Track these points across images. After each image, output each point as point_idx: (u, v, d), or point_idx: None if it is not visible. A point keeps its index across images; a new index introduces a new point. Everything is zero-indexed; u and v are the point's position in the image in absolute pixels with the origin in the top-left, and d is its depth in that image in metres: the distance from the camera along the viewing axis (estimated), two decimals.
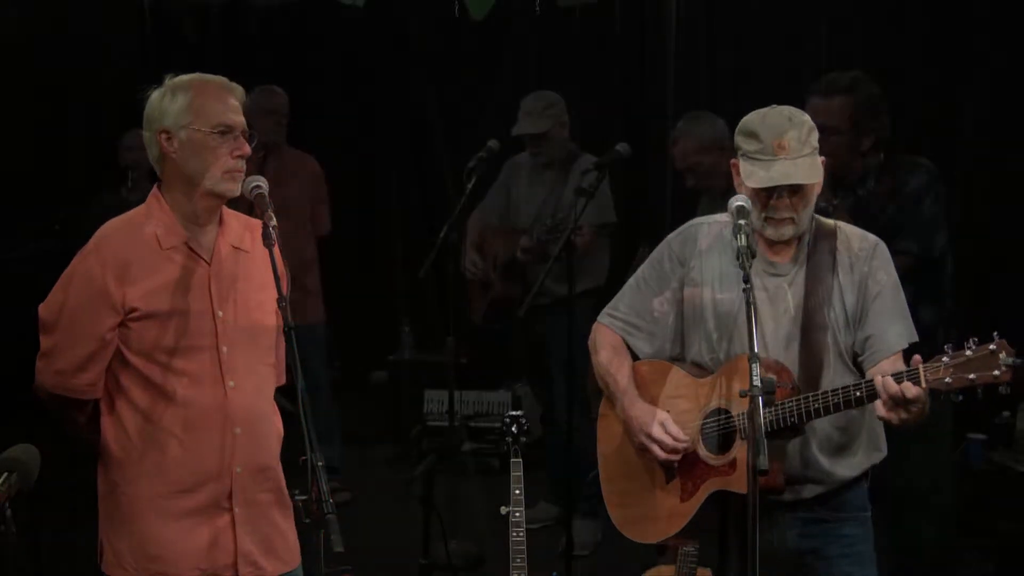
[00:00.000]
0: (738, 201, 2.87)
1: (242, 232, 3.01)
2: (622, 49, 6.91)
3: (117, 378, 2.90)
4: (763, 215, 2.92)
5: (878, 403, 2.72)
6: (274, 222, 2.75)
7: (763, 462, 2.54)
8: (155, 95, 2.90)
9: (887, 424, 2.84)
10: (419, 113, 7.53)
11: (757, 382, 2.58)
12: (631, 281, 3.24)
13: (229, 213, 3.02)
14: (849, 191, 4.02)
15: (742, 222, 2.80)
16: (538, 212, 5.41)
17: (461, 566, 4.44)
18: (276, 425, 3.05)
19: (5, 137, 6.75)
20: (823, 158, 2.96)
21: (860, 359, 2.95)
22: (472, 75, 7.36)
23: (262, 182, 2.88)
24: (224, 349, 2.90)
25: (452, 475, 4.92)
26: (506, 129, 5.40)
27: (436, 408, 6.49)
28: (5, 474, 2.44)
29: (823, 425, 2.94)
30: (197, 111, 2.85)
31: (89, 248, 2.90)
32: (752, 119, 2.95)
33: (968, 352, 2.64)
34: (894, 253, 3.07)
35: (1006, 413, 5.23)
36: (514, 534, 3.49)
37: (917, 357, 2.70)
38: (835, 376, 2.92)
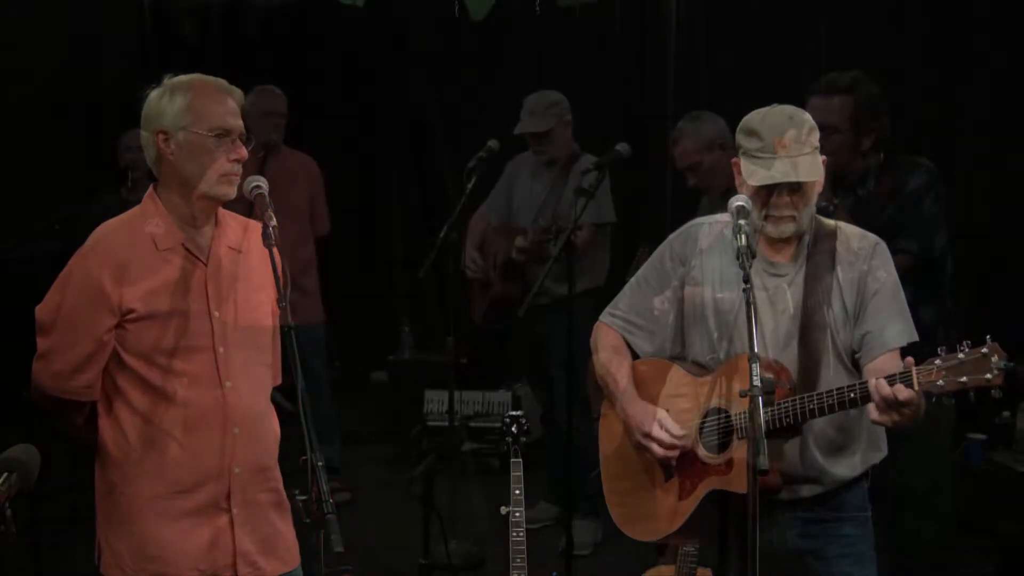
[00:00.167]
0: (738, 201, 2.87)
1: (239, 233, 3.01)
2: (622, 49, 6.91)
3: (114, 379, 2.90)
4: (764, 213, 2.93)
5: (871, 406, 2.72)
6: (274, 222, 2.75)
7: (763, 462, 2.54)
8: (153, 95, 2.90)
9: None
10: (419, 113, 7.54)
11: (757, 382, 2.58)
12: (632, 281, 3.25)
13: (225, 214, 3.02)
14: (849, 191, 4.02)
15: (742, 222, 2.81)
16: (539, 211, 5.41)
17: (461, 566, 4.44)
18: (274, 425, 3.06)
19: (5, 137, 6.75)
20: (824, 157, 2.97)
21: (858, 356, 2.96)
22: (472, 75, 7.36)
23: (262, 182, 2.89)
24: (221, 350, 2.90)
25: (452, 475, 4.92)
26: (506, 129, 5.40)
27: (436, 408, 6.49)
28: (5, 474, 2.44)
29: (822, 425, 2.95)
30: (196, 113, 2.85)
31: (86, 249, 2.90)
32: (753, 118, 2.96)
33: (960, 355, 2.64)
34: (894, 252, 3.07)
35: (1006, 413, 5.23)
36: (514, 534, 3.49)
37: (910, 359, 2.70)
38: (834, 376, 2.93)
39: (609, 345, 3.21)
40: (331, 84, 7.63)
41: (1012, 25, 5.66)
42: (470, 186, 4.68)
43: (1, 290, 5.57)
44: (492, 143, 4.82)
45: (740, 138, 2.97)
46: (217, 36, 7.72)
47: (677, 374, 3.10)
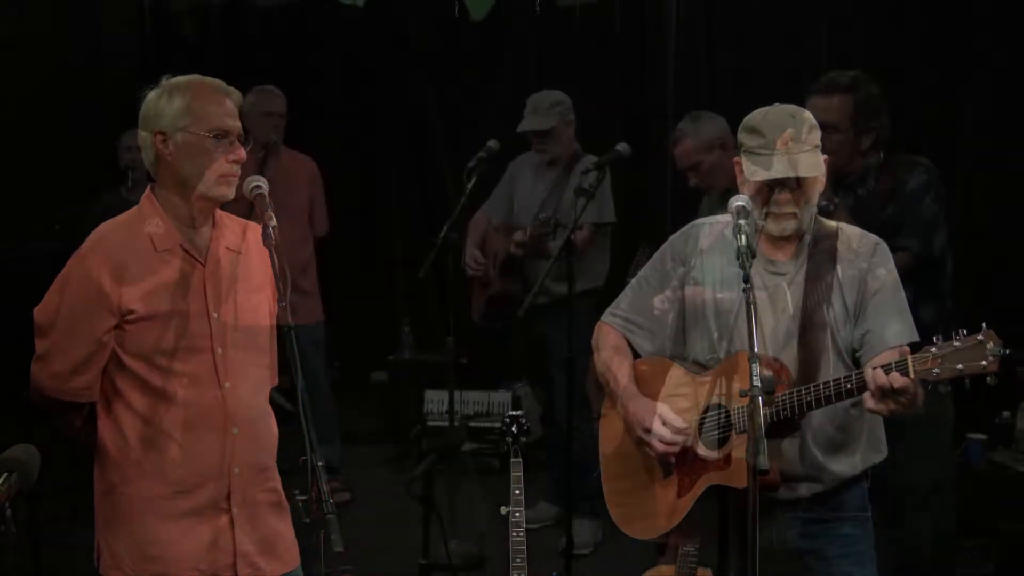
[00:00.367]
0: (738, 201, 2.88)
1: (237, 234, 3.01)
2: (622, 49, 6.91)
3: (113, 380, 2.90)
4: (765, 210, 2.94)
5: (867, 395, 2.73)
6: (274, 222, 2.75)
7: (763, 462, 2.54)
8: (152, 95, 2.90)
9: (884, 418, 2.85)
10: (419, 113, 7.54)
11: (757, 382, 2.58)
12: (633, 281, 3.27)
13: (223, 215, 3.02)
14: (849, 190, 4.02)
15: (742, 222, 2.81)
16: (539, 210, 5.41)
17: (461, 566, 4.44)
18: (272, 426, 3.06)
19: (5, 137, 6.75)
20: (825, 156, 2.97)
21: (858, 354, 2.96)
22: (472, 75, 7.36)
23: (262, 182, 2.89)
24: (219, 350, 2.90)
25: (452, 475, 4.93)
26: (506, 129, 5.40)
27: (436, 408, 6.49)
28: (5, 474, 2.43)
29: (822, 425, 2.95)
30: (194, 114, 2.85)
31: (84, 250, 2.89)
32: (754, 116, 2.97)
33: (956, 343, 2.64)
34: (893, 251, 3.07)
35: (1006, 413, 5.23)
36: (514, 534, 3.49)
37: (905, 348, 2.70)
38: (834, 375, 2.92)
39: (610, 344, 3.22)
40: (331, 84, 7.63)
41: (1012, 25, 5.66)
42: (470, 186, 4.68)
43: (1, 290, 5.57)
44: (492, 143, 4.82)
45: (742, 136, 2.98)
46: (217, 36, 7.73)
47: (677, 373, 3.11)
